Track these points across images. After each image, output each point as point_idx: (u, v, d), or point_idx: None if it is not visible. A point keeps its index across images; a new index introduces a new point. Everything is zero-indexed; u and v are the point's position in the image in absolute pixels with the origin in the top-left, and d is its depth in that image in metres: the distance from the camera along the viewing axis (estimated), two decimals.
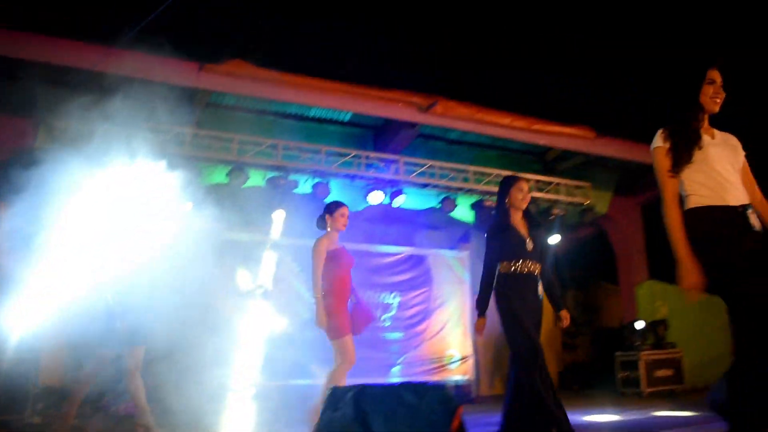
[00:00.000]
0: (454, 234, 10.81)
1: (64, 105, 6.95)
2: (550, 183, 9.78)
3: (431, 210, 9.63)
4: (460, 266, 10.46)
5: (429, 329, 9.91)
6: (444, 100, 8.85)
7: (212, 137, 7.84)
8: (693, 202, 3.01)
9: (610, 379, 10.14)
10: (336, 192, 8.57)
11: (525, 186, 4.37)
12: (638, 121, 10.48)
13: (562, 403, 4.09)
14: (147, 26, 6.92)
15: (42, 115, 7.28)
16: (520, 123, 9.42)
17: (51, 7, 7.61)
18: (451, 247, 10.70)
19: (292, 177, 8.23)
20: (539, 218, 4.60)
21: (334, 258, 4.98)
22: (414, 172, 8.91)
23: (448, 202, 9.24)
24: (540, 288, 4.21)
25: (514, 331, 4.10)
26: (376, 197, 8.69)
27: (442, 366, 9.88)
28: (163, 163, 7.16)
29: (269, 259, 8.41)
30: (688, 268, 2.86)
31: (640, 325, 10.29)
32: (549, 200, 9.69)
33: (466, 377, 9.97)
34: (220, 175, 7.96)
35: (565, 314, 4.35)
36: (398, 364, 9.51)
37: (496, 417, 6.94)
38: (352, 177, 8.60)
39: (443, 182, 9.08)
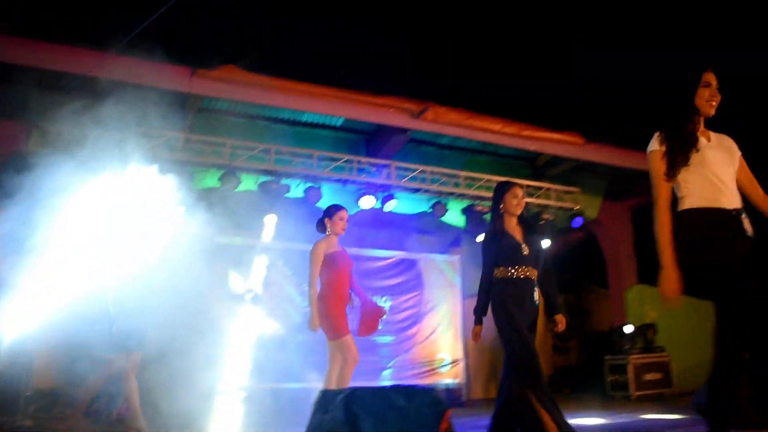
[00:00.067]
0: (445, 238, 10.88)
1: (57, 109, 6.97)
2: (540, 188, 9.87)
3: (422, 214, 9.70)
4: (451, 270, 10.52)
5: (420, 333, 9.96)
6: (435, 106, 8.92)
7: (204, 142, 7.87)
8: (688, 204, 3.02)
9: (599, 382, 10.22)
10: (328, 196, 8.61)
11: (519, 192, 4.38)
12: (627, 127, 10.60)
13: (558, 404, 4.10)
14: (140, 32, 6.95)
15: (34, 119, 7.29)
16: (510, 129, 9.50)
17: (44, 12, 7.62)
18: (442, 252, 10.77)
19: (284, 181, 8.27)
20: (534, 223, 4.62)
21: (332, 261, 5.03)
22: (405, 176, 8.97)
23: (439, 207, 9.31)
24: (537, 294, 4.22)
25: (509, 335, 4.11)
26: (368, 202, 8.74)
27: (433, 369, 9.93)
28: (155, 168, 7.21)
29: (260, 263, 8.45)
30: (670, 275, 2.87)
31: (629, 329, 10.38)
32: (539, 205, 9.77)
33: (457, 381, 10.03)
34: (212, 180, 7.99)
35: (560, 318, 4.35)
36: (389, 367, 9.56)
37: (486, 420, 7.02)
38: (344, 182, 8.66)
39: (434, 187, 9.14)
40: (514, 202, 4.32)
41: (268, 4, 11.34)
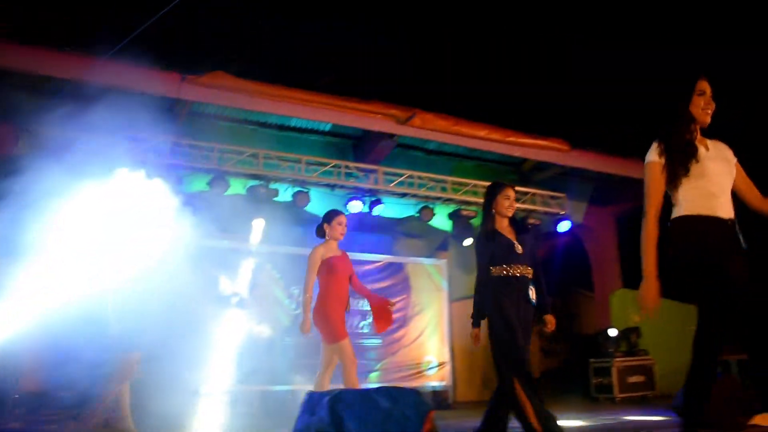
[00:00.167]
0: (432, 242, 10.97)
1: (47, 113, 7.00)
2: (526, 193, 9.98)
3: (410, 218, 9.78)
4: (438, 274, 10.61)
5: (407, 336, 10.04)
6: (422, 113, 9.01)
7: (193, 146, 7.91)
8: (684, 210, 3.00)
9: (585, 384, 10.34)
10: (316, 201, 8.69)
11: (511, 193, 4.40)
12: (612, 134, 10.75)
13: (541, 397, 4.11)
14: (130, 37, 7.00)
15: (25, 122, 7.32)
16: (496, 135, 9.62)
17: (36, 17, 7.66)
18: (429, 256, 10.86)
19: (273, 186, 8.32)
20: (525, 224, 4.65)
21: (331, 266, 5.07)
22: (393, 181, 9.05)
23: (426, 211, 9.39)
24: (532, 292, 4.22)
25: (500, 330, 4.09)
26: (356, 206, 8.81)
27: (420, 372, 10.01)
28: (144, 172, 7.26)
29: (248, 266, 8.51)
30: (651, 285, 2.88)
31: (613, 332, 10.51)
32: (525, 210, 9.88)
33: (443, 383, 10.11)
34: (200, 184, 8.03)
35: (550, 318, 4.36)
36: (376, 370, 9.63)
37: (472, 422, 7.11)
38: (332, 186, 8.72)
39: (421, 192, 9.23)
40: (506, 203, 4.34)
41: (258, 8, 11.40)
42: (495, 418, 4.21)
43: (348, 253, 5.30)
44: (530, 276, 4.24)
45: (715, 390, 5.53)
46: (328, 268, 5.07)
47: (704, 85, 3.08)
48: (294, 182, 8.49)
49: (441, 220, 9.89)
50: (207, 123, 8.71)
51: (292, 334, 8.93)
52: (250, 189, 8.25)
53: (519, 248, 4.23)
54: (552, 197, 10.18)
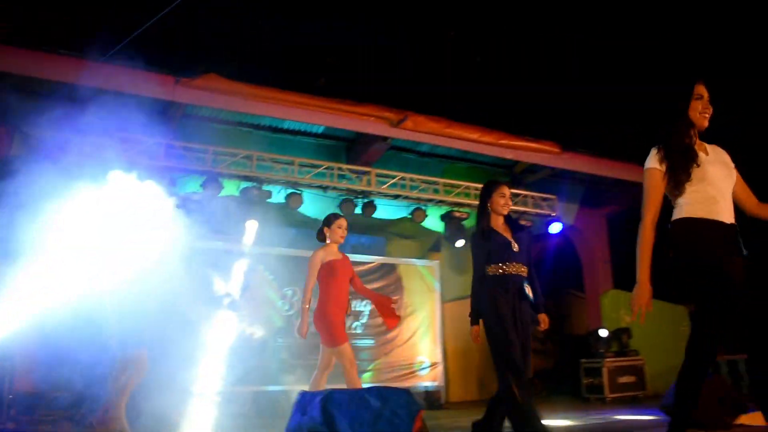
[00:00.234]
0: (424, 244, 11.05)
1: (42, 114, 7.03)
2: (518, 195, 10.05)
3: (402, 220, 9.84)
4: (430, 275, 10.67)
5: (399, 336, 10.10)
6: (414, 115, 9.07)
7: (187, 148, 7.94)
8: (686, 212, 3.00)
9: (576, 385, 10.42)
10: (309, 202, 8.75)
11: (507, 191, 4.40)
12: (604, 137, 10.85)
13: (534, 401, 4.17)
14: (126, 40, 7.04)
15: (18, 124, 7.35)
16: (488, 137, 9.69)
17: (32, 20, 7.68)
18: (422, 257, 10.94)
19: (266, 187, 8.37)
20: (519, 223, 4.63)
21: (331, 269, 5.11)
22: (385, 183, 9.09)
23: (419, 213, 9.44)
24: (528, 290, 4.23)
25: (496, 331, 4.12)
26: (349, 208, 8.87)
27: (412, 372, 10.06)
28: (138, 174, 7.29)
29: (241, 268, 8.55)
30: (645, 290, 2.90)
31: (604, 333, 10.60)
32: (517, 212, 9.95)
33: (436, 383, 10.17)
34: (194, 186, 8.07)
35: (543, 318, 4.38)
36: (369, 370, 9.69)
37: (464, 422, 7.19)
38: (325, 188, 8.76)
39: (414, 194, 9.28)
40: (502, 201, 4.35)
41: (253, 10, 11.44)
42: (495, 413, 4.27)
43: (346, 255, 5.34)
44: (525, 274, 4.26)
45: (704, 390, 5.64)
46: (328, 271, 5.11)
47: (701, 89, 3.10)
48: (287, 184, 8.53)
49: (433, 222, 9.94)
50: (200, 125, 8.73)
51: (284, 334, 8.99)
52: (244, 191, 8.29)
53: (515, 246, 4.25)
54: (543, 199, 10.25)
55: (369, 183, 8.97)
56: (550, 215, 10.24)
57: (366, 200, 9.01)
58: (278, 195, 8.55)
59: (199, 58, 8.26)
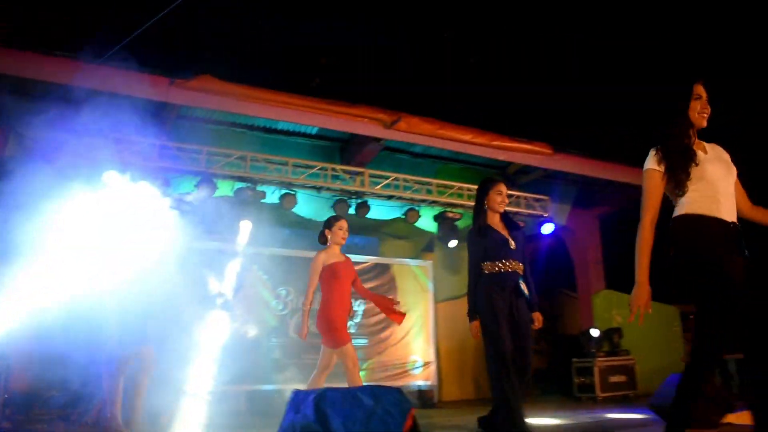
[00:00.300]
0: (418, 244, 11.12)
1: (37, 115, 7.06)
2: (511, 196, 10.06)
3: (396, 220, 9.89)
4: (423, 275, 10.74)
5: (393, 336, 10.15)
6: (407, 117, 9.12)
7: (181, 149, 7.97)
8: (687, 209, 3.01)
9: (568, 384, 10.51)
10: (303, 203, 8.80)
11: (503, 189, 4.42)
12: (596, 138, 10.94)
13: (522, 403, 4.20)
14: (120, 42, 7.07)
15: (13, 125, 7.38)
16: (480, 139, 9.75)
17: (27, 21, 7.71)
18: (415, 257, 11.00)
19: (260, 188, 8.41)
20: (515, 221, 4.65)
21: (334, 271, 5.16)
22: (379, 184, 9.13)
23: (412, 213, 9.50)
24: (524, 287, 4.23)
25: (491, 330, 4.14)
26: (343, 208, 8.93)
27: (406, 371, 10.12)
28: (132, 174, 7.34)
29: (235, 268, 8.60)
30: (644, 291, 2.91)
31: (595, 332, 10.69)
32: (509, 212, 9.99)
33: (429, 382, 10.23)
34: (188, 186, 8.10)
35: (537, 316, 4.39)
36: (363, 369, 9.72)
37: (456, 421, 7.26)
38: (319, 188, 8.81)
39: (407, 194, 9.33)
40: (498, 198, 4.37)
41: (246, 11, 11.49)
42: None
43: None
44: (521, 271, 4.27)
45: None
46: (331, 274, 5.15)
47: (700, 89, 3.12)
48: (281, 184, 8.56)
49: (427, 222, 10.00)
50: (195, 126, 8.75)
51: (278, 334, 9.05)
52: (238, 191, 8.33)
53: (512, 244, 4.28)
54: (536, 200, 10.31)
55: (363, 183, 9.01)
56: (542, 216, 10.30)
57: (360, 201, 9.05)
58: (272, 195, 8.59)
59: (193, 59, 8.30)
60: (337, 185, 8.87)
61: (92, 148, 6.99)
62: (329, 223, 5.36)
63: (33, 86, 7.28)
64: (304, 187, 8.71)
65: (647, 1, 11.89)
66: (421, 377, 10.23)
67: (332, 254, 5.26)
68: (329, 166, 8.92)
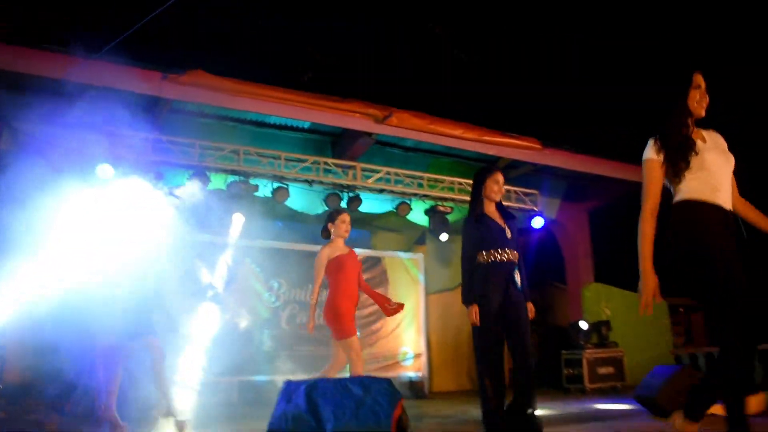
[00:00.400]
0: (409, 237, 11.21)
1: (30, 110, 7.10)
2: None
3: (387, 214, 9.97)
4: (414, 268, 10.83)
5: (384, 328, 10.24)
6: (399, 112, 9.18)
7: (174, 142, 8.01)
8: (687, 195, 3.00)
9: (557, 375, 10.63)
10: (295, 196, 8.86)
11: (500, 178, 4.40)
12: (583, 133, 11.04)
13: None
14: (115, 37, 7.11)
15: (6, 119, 7.41)
16: (470, 134, 9.83)
17: (23, 17, 7.74)
18: (407, 250, 11.10)
19: (253, 181, 8.47)
20: (509, 210, 4.64)
21: (339, 264, 5.23)
22: (371, 177, 9.21)
23: (403, 207, 9.57)
24: (518, 276, 4.22)
25: (479, 327, 4.14)
26: (335, 202, 8.99)
27: (397, 363, 10.23)
28: (125, 168, 7.39)
29: (227, 260, 8.67)
30: (650, 281, 2.87)
31: (584, 325, 10.82)
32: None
33: (420, 374, 10.34)
34: (181, 179, 8.15)
35: (530, 307, 4.38)
36: None
37: (446, 411, 7.38)
38: (311, 182, 8.87)
39: (398, 188, 9.41)
40: (495, 187, 4.36)
41: (239, 6, 11.51)
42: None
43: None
44: (516, 260, 4.25)
45: (674, 380, 5.86)
46: (336, 267, 5.21)
47: (699, 79, 3.10)
48: (273, 178, 8.61)
49: (418, 215, 10.08)
50: (187, 120, 8.76)
51: (270, 326, 9.14)
52: (231, 184, 8.38)
53: (509, 233, 4.27)
54: (526, 194, 10.40)
55: (354, 177, 9.08)
56: (532, 210, 10.40)
57: (351, 194, 9.11)
58: (265, 189, 8.64)
59: (186, 54, 8.33)
60: (329, 179, 8.94)
61: (86, 142, 7.04)
62: (332, 217, 5.42)
63: (27, 81, 7.30)
64: (296, 180, 8.77)
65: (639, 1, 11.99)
66: (412, 368, 10.34)
67: (336, 247, 5.32)
68: (321, 159, 8.98)
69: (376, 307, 10.27)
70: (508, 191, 10.23)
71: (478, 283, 4.17)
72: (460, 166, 10.80)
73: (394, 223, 10.45)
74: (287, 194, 8.66)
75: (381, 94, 9.48)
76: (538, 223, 10.53)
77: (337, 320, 5.10)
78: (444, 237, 10.04)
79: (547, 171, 11.13)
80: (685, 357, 10.98)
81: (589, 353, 10.28)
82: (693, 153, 2.99)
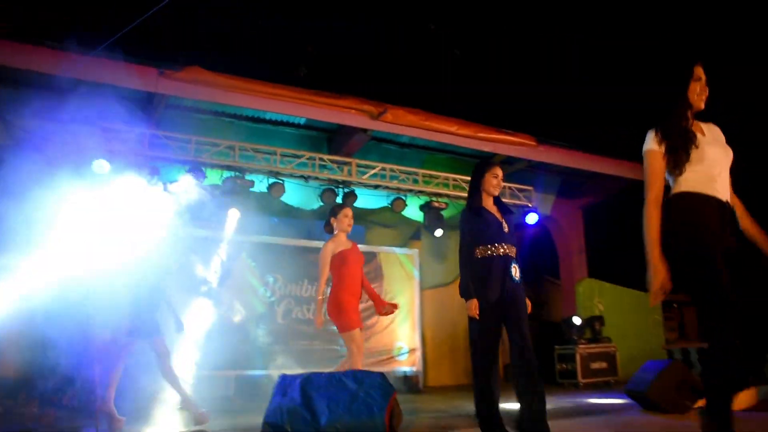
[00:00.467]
0: (404, 232, 11.25)
1: (26, 105, 7.12)
2: None
3: (383, 209, 10.02)
4: (409, 263, 10.88)
5: (379, 322, 10.26)
6: (394, 108, 9.22)
7: (170, 138, 8.03)
8: (684, 187, 3.00)
9: (550, 370, 10.71)
10: (291, 192, 8.91)
11: (499, 172, 4.38)
12: (578, 131, 11.11)
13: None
14: (112, 33, 7.13)
15: (2, 114, 7.43)
16: (465, 130, 9.88)
17: (23, 14, 7.75)
18: (402, 245, 11.14)
19: (249, 177, 8.49)
20: (506, 204, 4.61)
21: (343, 258, 5.28)
22: (366, 173, 9.24)
23: (399, 203, 9.62)
24: (516, 270, 4.20)
25: (474, 324, 4.14)
26: (330, 197, 9.03)
27: (391, 358, 10.28)
28: (121, 163, 7.42)
29: (223, 255, 8.71)
30: (659, 270, 2.84)
31: (577, 320, 10.90)
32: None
33: (414, 368, 10.40)
34: (177, 175, 8.17)
35: (527, 302, 4.34)
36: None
37: (440, 405, 7.44)
38: (306, 178, 8.90)
39: (394, 184, 9.46)
40: (494, 181, 4.32)
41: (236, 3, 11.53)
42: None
43: (322, 243, 5.49)
44: (514, 255, 4.23)
45: (664, 375, 5.94)
46: (340, 261, 5.26)
47: (700, 71, 3.09)
48: (269, 173, 8.65)
49: (413, 211, 10.13)
50: (183, 115, 8.80)
51: (266, 321, 9.19)
52: (227, 180, 8.41)
53: (506, 227, 4.24)
54: (520, 190, 10.46)
55: (350, 173, 9.11)
56: (527, 206, 10.45)
57: (347, 190, 9.15)
58: (260, 184, 8.68)
59: (182, 50, 8.36)
60: (325, 174, 8.98)
61: (82, 137, 7.07)
62: (334, 212, 5.47)
63: (23, 76, 7.33)
64: (292, 176, 8.80)
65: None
66: (406, 363, 10.40)
67: (339, 242, 5.37)
68: (317, 155, 9.01)
69: (371, 303, 10.41)
70: (502, 187, 10.26)
71: (475, 277, 4.15)
72: (455, 162, 10.84)
73: (389, 218, 10.49)
74: (283, 190, 8.69)
75: (376, 91, 9.52)
76: (532, 219, 10.57)
77: (341, 313, 5.16)
78: (439, 233, 10.09)
79: (541, 167, 11.20)
80: (677, 352, 11.10)
81: (582, 348, 10.37)
82: (694, 146, 2.99)
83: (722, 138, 3.16)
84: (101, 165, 7.30)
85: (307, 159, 8.88)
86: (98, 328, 5.50)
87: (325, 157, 9.10)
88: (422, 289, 10.90)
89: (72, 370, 6.48)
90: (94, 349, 5.58)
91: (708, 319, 2.82)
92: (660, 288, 2.82)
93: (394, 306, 5.64)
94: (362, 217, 10.48)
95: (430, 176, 9.80)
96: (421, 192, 9.74)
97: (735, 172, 3.14)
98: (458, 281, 4.27)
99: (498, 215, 4.28)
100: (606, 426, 5.30)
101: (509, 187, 10.38)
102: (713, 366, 2.82)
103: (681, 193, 2.99)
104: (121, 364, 5.38)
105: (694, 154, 2.98)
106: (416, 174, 9.70)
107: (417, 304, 10.74)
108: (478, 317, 4.07)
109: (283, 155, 8.72)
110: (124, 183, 7.15)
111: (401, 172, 9.56)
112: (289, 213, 9.59)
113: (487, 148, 10.18)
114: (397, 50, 12.45)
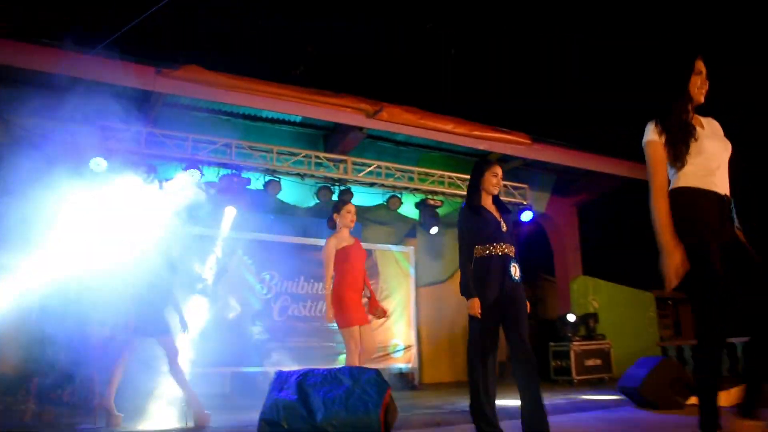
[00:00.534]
0: (400, 230, 11.29)
1: (24, 103, 7.14)
2: None
3: (378, 207, 10.04)
4: (405, 261, 10.93)
5: (374, 320, 10.32)
6: (389, 107, 9.26)
7: (167, 136, 8.05)
8: (683, 182, 3.01)
9: (545, 367, 10.77)
10: (287, 189, 8.94)
11: (499, 171, 4.36)
12: (573, 129, 11.16)
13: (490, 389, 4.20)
14: (110, 32, 7.16)
15: (1, 112, 7.45)
16: (461, 129, 9.93)
17: (21, 13, 7.77)
18: (397, 243, 11.20)
19: (245, 175, 8.52)
20: (505, 203, 4.61)
21: (345, 254, 5.28)
22: (362, 171, 9.28)
23: (394, 200, 9.66)
24: (515, 269, 4.18)
25: (475, 323, 4.13)
26: (326, 195, 9.06)
27: (387, 355, 10.34)
28: (118, 161, 7.44)
29: (220, 252, 8.74)
30: (673, 255, 2.83)
31: (571, 317, 10.96)
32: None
33: (410, 365, 10.47)
34: (174, 173, 8.20)
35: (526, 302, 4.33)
36: (345, 352, 9.91)
37: (436, 402, 7.49)
38: (302, 175, 8.93)
39: (389, 182, 9.51)
40: (494, 180, 4.29)
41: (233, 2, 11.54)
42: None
43: (319, 240, 5.54)
44: (512, 254, 4.22)
45: (656, 372, 5.99)
46: (343, 257, 5.27)
47: (700, 65, 3.10)
48: (266, 171, 8.68)
49: (409, 209, 10.17)
50: (180, 114, 8.82)
51: (262, 317, 9.23)
52: (223, 177, 8.44)
53: (504, 226, 4.23)
54: (515, 188, 10.49)
55: (346, 171, 9.15)
56: (522, 203, 10.49)
57: (343, 188, 9.18)
58: (257, 182, 8.70)
59: (179, 49, 8.38)
60: (321, 172, 9.01)
61: (79, 135, 7.09)
62: (337, 208, 5.49)
63: (21, 74, 7.35)
64: (288, 174, 8.83)
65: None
66: (402, 360, 10.46)
67: (342, 238, 5.38)
68: (313, 153, 9.05)
69: (365, 300, 10.43)
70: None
71: (475, 276, 4.14)
72: (451, 160, 10.88)
73: (384, 216, 10.53)
74: (279, 187, 8.72)
75: (373, 89, 9.56)
76: (527, 216, 10.61)
77: (341, 309, 5.19)
78: (434, 230, 10.12)
79: (536, 165, 11.25)
80: (671, 349, 11.18)
81: (577, 345, 10.43)
82: (693, 139, 3.00)
83: (721, 132, 3.17)
84: (98, 163, 7.32)
85: (303, 157, 8.92)
86: (96, 325, 5.52)
87: (321, 155, 9.13)
88: (418, 286, 10.96)
89: (71, 367, 6.51)
90: (92, 346, 5.60)
91: (700, 315, 2.85)
92: (675, 271, 2.82)
93: (384, 312, 5.68)
94: (358, 214, 10.35)
95: (426, 174, 9.84)
96: (416, 190, 9.79)
97: (734, 169, 3.14)
98: (453, 278, 4.29)
99: (497, 214, 4.27)
100: (600, 422, 5.34)
101: (504, 185, 10.41)
102: (702, 361, 2.85)
103: (679, 189, 3.00)
104: (123, 361, 5.41)
105: (693, 146, 2.99)
106: (412, 172, 9.74)
107: (413, 302, 10.80)
108: (479, 315, 4.06)
109: (280, 153, 8.75)
110: (121, 181, 7.18)
111: (397, 169, 9.60)
112: (285, 210, 9.62)
113: (482, 146, 10.23)
114: (393, 49, 12.47)
